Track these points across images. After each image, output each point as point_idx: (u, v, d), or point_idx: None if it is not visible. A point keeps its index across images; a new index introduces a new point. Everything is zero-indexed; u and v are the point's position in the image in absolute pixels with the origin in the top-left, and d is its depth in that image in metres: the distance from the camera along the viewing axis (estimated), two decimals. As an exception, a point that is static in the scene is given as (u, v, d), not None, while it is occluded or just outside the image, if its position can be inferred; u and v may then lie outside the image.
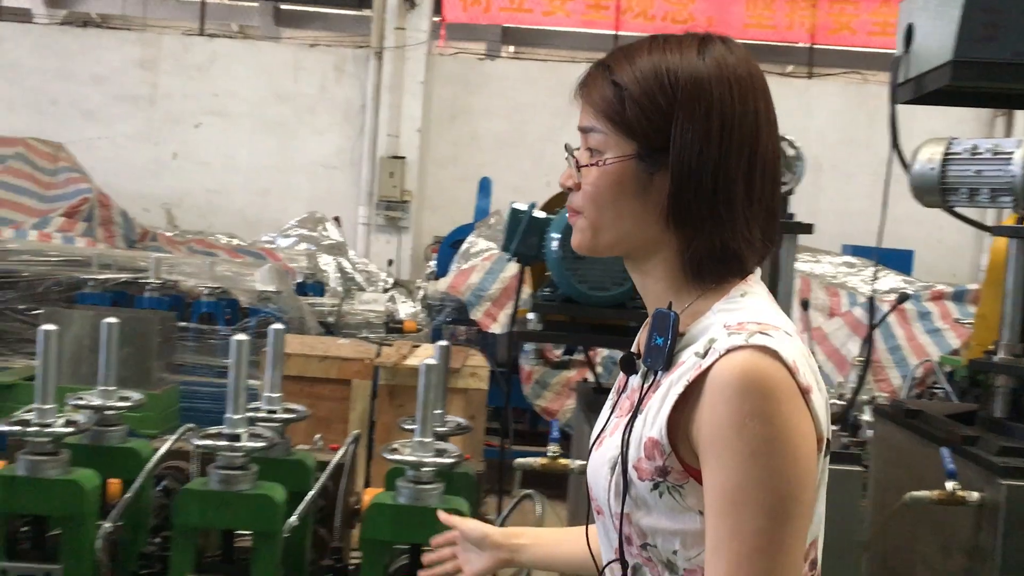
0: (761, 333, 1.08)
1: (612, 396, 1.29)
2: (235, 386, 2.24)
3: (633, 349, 1.25)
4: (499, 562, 1.50)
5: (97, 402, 2.32)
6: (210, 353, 5.79)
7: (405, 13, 10.09)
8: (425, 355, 4.80)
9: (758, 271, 1.21)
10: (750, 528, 1.04)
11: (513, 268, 6.17)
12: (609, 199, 1.17)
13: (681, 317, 1.15)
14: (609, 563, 1.20)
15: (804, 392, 1.08)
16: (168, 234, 8.23)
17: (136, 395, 2.43)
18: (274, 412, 2.43)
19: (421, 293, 7.79)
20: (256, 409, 2.43)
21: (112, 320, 2.37)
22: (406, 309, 7.74)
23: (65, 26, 10.83)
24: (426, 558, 1.56)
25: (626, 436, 1.14)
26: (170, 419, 4.36)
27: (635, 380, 1.21)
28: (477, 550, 1.50)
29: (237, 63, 10.48)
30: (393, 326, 7.24)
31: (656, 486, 1.12)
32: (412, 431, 2.26)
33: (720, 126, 1.13)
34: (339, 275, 8.51)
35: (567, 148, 1.23)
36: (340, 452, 2.50)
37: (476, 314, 6.19)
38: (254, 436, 2.22)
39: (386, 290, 8.14)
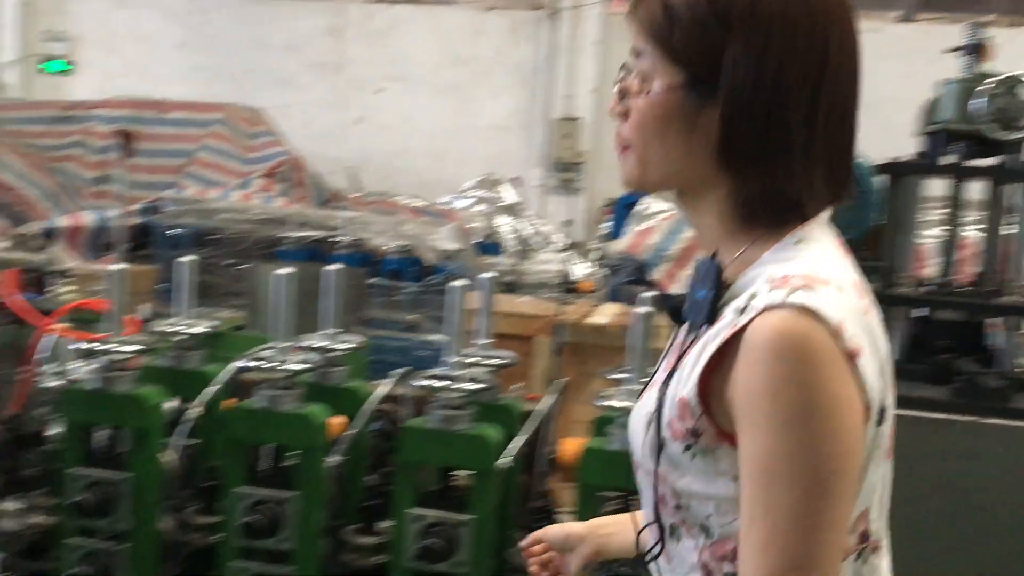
0: (804, 289, 0.99)
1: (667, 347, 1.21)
2: (454, 331, 2.32)
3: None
4: (589, 557, 1.45)
5: (322, 344, 2.48)
6: (396, 308, 6.03)
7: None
8: (607, 314, 4.84)
9: (824, 213, 1.10)
10: (785, 502, 0.97)
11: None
12: (655, 132, 1.08)
13: (731, 265, 1.07)
14: (648, 524, 1.15)
15: (850, 355, 0.99)
16: (354, 195, 8.59)
17: (357, 338, 2.58)
18: (484, 358, 2.51)
19: (596, 254, 7.81)
20: (466, 355, 2.52)
21: (336, 267, 2.51)
22: (581, 269, 7.80)
23: (260, -3, 11.40)
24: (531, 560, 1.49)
25: (662, 393, 1.08)
26: (360, 372, 4.58)
27: (684, 330, 1.13)
28: (568, 552, 1.44)
29: (417, 28, 10.74)
30: (569, 286, 7.31)
31: (688, 448, 1.06)
32: (617, 381, 2.29)
33: (779, 56, 1.02)
34: (515, 236, 8.66)
35: (623, 68, 1.13)
36: (548, 400, 2.56)
37: (656, 274, 6.15)
38: (471, 379, 2.31)
39: (561, 251, 8.21)
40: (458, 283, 2.41)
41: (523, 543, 1.50)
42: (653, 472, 1.10)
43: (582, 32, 10.16)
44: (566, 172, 10.36)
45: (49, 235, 5.95)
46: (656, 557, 1.14)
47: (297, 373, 2.26)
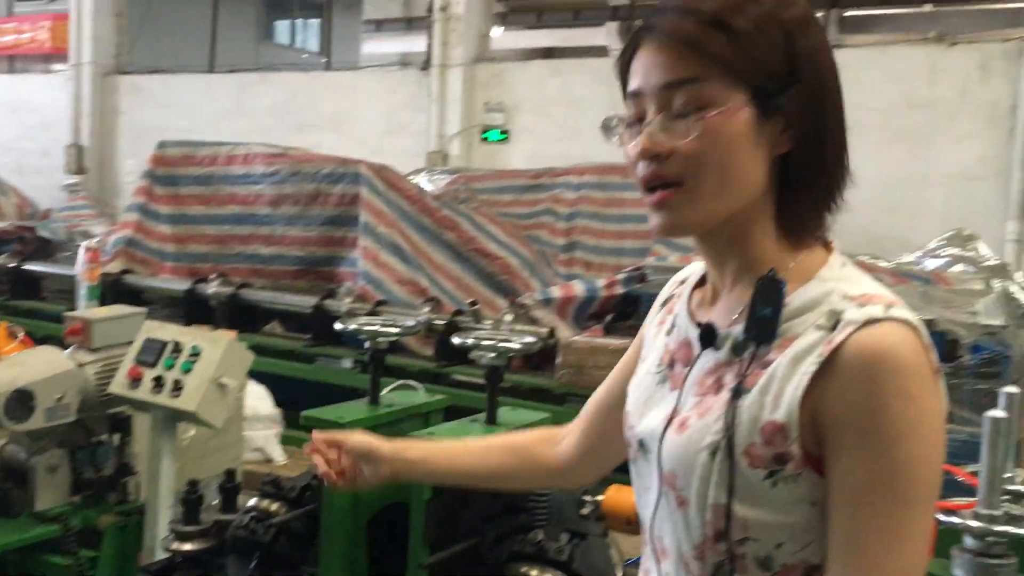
0: (896, 306, 1.02)
1: (659, 368, 1.20)
2: (996, 458, 1.58)
3: (693, 321, 1.18)
4: (385, 477, 1.47)
5: None
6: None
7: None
8: None
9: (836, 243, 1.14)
10: (895, 517, 0.98)
11: None
12: (721, 156, 1.05)
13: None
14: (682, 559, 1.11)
15: (936, 371, 1.02)
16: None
17: None
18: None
19: None
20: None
21: None
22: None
23: None
24: (313, 453, 1.48)
25: (731, 419, 1.04)
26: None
27: (712, 354, 1.12)
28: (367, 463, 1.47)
29: (867, 71, 9.86)
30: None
31: (771, 475, 1.03)
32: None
33: (827, 69, 1.09)
34: (1005, 301, 7.46)
35: (612, 122, 1.17)
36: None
37: None
38: (1014, 518, 1.66)
39: None
40: (1011, 390, 1.71)
41: (317, 437, 1.48)
42: (714, 505, 1.06)
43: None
44: (1053, 225, 8.89)
45: (547, 304, 5.86)
46: None
47: None
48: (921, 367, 0.99)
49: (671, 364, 1.19)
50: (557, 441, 1.49)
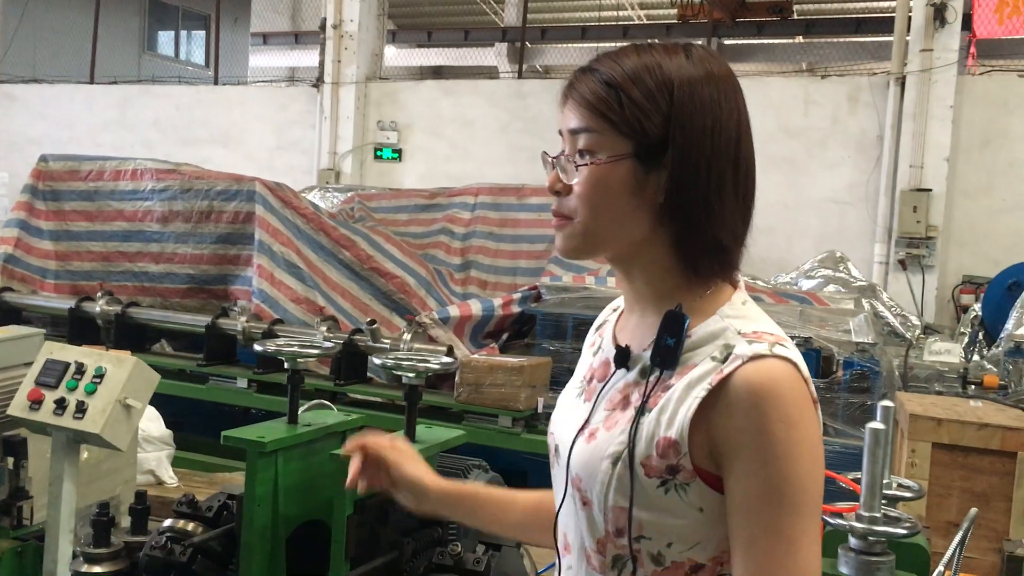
0: (779, 344, 1.15)
1: (580, 383, 1.33)
2: (878, 464, 1.80)
3: (614, 343, 1.29)
4: (425, 514, 1.50)
5: None
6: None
7: (933, 34, 9.29)
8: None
9: (743, 280, 1.26)
10: (785, 524, 1.10)
11: None
12: (605, 198, 1.19)
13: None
14: (585, 552, 1.24)
15: (814, 401, 1.15)
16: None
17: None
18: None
19: (1004, 344, 6.95)
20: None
21: None
22: (979, 360, 6.95)
23: None
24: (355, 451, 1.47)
25: (632, 433, 1.17)
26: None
27: (624, 374, 1.25)
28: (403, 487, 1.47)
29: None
30: (972, 381, 6.50)
31: (663, 483, 1.16)
32: None
33: (713, 124, 1.17)
34: (873, 320, 7.93)
35: (544, 156, 1.27)
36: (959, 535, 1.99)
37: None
38: (891, 519, 1.83)
39: (960, 340, 7.39)
40: (886, 404, 1.90)
41: (368, 442, 1.48)
42: (613, 507, 1.19)
43: (934, 97, 9.35)
44: (913, 248, 9.49)
45: (445, 322, 5.93)
46: None
47: None
48: (799, 397, 1.12)
49: (590, 380, 1.32)
50: None
